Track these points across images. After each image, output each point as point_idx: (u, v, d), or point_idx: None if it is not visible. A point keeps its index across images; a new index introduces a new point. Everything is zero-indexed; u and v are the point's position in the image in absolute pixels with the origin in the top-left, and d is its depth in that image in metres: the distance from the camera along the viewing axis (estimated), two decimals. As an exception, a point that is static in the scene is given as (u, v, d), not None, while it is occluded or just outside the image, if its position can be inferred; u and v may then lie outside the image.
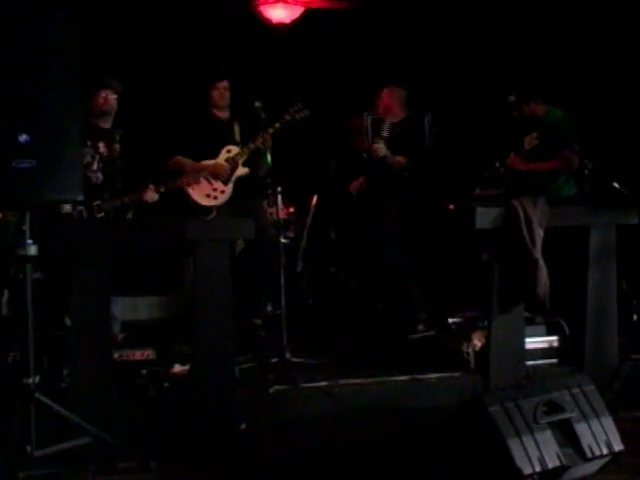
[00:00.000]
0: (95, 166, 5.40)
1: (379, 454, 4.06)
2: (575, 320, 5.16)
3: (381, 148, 6.00)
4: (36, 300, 3.64)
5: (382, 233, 6.07)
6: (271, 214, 6.08)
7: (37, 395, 3.53)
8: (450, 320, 5.69)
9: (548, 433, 3.66)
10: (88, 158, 5.34)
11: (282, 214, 5.82)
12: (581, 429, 3.72)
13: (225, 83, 5.98)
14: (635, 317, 5.78)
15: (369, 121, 6.06)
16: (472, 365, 5.02)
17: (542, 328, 5.32)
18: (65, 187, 3.55)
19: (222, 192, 5.83)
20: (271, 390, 4.64)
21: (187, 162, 5.83)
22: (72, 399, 4.03)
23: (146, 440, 4.05)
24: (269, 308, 6.43)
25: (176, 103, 6.76)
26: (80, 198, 3.66)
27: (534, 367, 5.06)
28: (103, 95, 5.41)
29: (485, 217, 4.76)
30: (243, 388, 4.61)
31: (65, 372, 4.40)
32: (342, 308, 7.00)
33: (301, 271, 7.21)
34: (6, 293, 4.77)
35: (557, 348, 5.28)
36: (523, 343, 4.94)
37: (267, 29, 7.77)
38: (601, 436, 3.75)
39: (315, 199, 7.41)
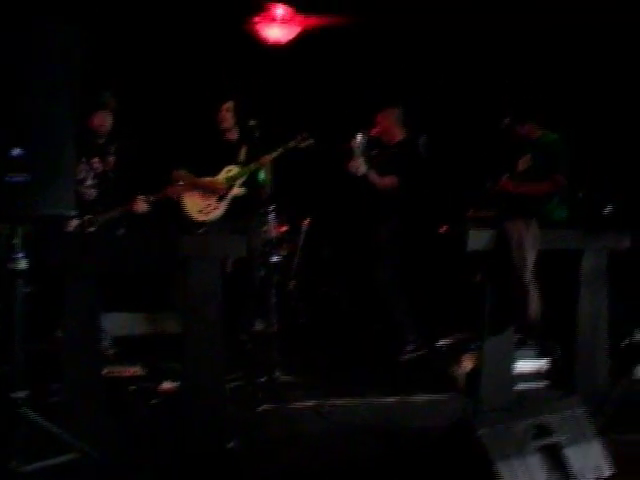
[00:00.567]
0: (89, 182, 5.44)
1: (367, 475, 4.04)
2: (566, 343, 5.16)
3: (358, 165, 5.99)
4: (26, 314, 3.62)
5: (372, 254, 6.07)
6: (264, 232, 6.09)
7: (24, 410, 3.50)
8: (440, 342, 5.70)
9: (537, 457, 3.64)
10: (83, 174, 5.40)
11: (275, 232, 5.83)
12: (571, 453, 3.71)
13: (228, 104, 6.01)
14: (626, 342, 5.78)
15: (357, 141, 6.06)
16: (462, 387, 5.01)
17: (533, 351, 5.33)
18: (58, 201, 3.53)
19: (214, 209, 5.86)
20: (260, 409, 4.63)
21: (186, 175, 5.87)
22: (60, 414, 4.01)
23: (134, 457, 4.02)
24: (260, 326, 6.42)
25: (182, 120, 6.81)
26: (73, 213, 3.65)
27: (524, 390, 5.05)
28: (99, 117, 5.44)
29: (477, 239, 4.76)
30: (233, 406, 4.59)
31: (54, 387, 4.38)
32: (333, 327, 7.00)
33: (293, 289, 7.20)
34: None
35: (548, 371, 5.29)
36: (514, 366, 4.94)
37: (264, 49, 7.81)
38: (591, 460, 3.74)
39: (308, 220, 7.41)
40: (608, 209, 5.33)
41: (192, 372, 4.35)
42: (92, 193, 5.47)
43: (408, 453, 4.21)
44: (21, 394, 3.51)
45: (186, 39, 7.38)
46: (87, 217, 5.36)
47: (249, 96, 6.27)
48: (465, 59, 7.70)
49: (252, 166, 5.79)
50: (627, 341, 5.64)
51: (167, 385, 4.77)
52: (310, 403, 4.75)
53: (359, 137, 6.05)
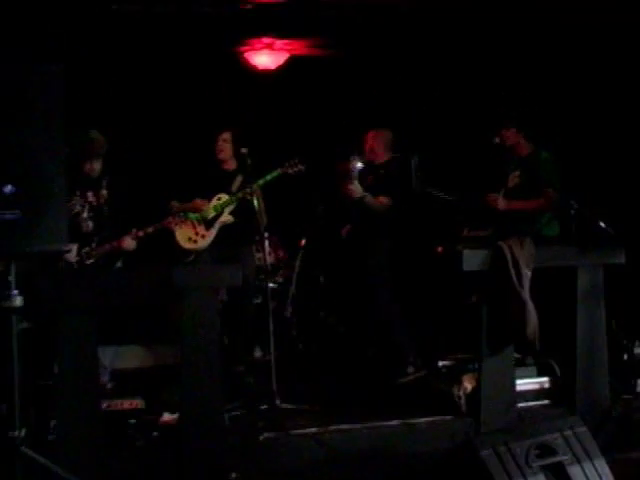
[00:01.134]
0: (85, 214, 5.49)
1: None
2: (566, 361, 5.15)
3: (355, 189, 6.01)
4: (23, 350, 3.61)
5: (368, 277, 6.07)
6: (259, 259, 6.08)
7: (23, 449, 3.48)
8: (440, 363, 5.67)
9: (541, 477, 3.63)
10: (78, 207, 5.45)
11: (271, 259, 5.83)
12: (574, 472, 3.71)
13: (226, 135, 6.03)
14: (625, 357, 5.76)
15: (354, 165, 6.08)
16: (463, 408, 4.98)
17: (533, 369, 5.31)
18: (50, 237, 3.53)
19: (203, 237, 5.88)
20: (261, 438, 4.60)
21: (175, 204, 5.90)
22: (59, 451, 3.99)
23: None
24: (258, 354, 6.40)
25: (177, 150, 6.83)
26: (65, 248, 3.65)
27: (525, 409, 5.04)
28: (89, 165, 5.48)
29: (472, 259, 4.76)
30: (233, 436, 4.57)
31: (52, 423, 4.35)
32: (332, 353, 6.97)
33: (290, 316, 7.18)
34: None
35: (548, 389, 5.27)
36: (514, 385, 4.92)
37: (253, 75, 7.86)
38: (595, 479, 3.72)
39: (303, 242, 7.42)
40: (601, 224, 5.34)
41: (191, 403, 4.33)
42: (89, 225, 5.52)
43: (411, 476, 4.18)
44: (19, 433, 3.49)
45: (176, 71, 7.42)
46: (85, 250, 5.40)
47: (245, 126, 6.29)
48: (453, 78, 7.75)
49: (240, 194, 5.80)
50: (626, 356, 5.64)
51: (167, 417, 4.74)
52: (311, 430, 4.72)
53: (356, 161, 6.07)
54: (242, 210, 5.86)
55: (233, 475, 4.16)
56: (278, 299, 6.95)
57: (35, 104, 3.48)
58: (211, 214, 5.87)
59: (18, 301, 3.51)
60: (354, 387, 5.81)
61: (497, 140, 5.94)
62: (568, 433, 3.82)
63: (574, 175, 6.00)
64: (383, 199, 6.06)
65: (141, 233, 5.55)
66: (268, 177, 5.78)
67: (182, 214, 5.85)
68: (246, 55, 7.75)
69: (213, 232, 5.90)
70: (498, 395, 4.80)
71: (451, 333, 6.06)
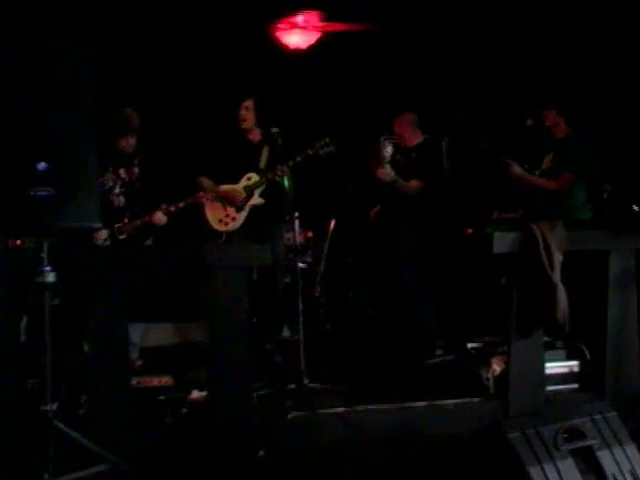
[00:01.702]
0: (117, 190, 5.56)
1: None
2: (595, 345, 5.11)
3: (386, 173, 5.99)
4: (54, 327, 3.64)
5: (397, 259, 6.05)
6: (288, 239, 6.08)
7: (55, 422, 3.53)
8: (469, 345, 5.66)
9: (570, 460, 3.61)
10: (110, 183, 5.53)
11: (300, 239, 5.83)
12: (604, 457, 3.68)
13: (248, 103, 5.99)
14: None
15: (386, 148, 6.06)
16: (491, 391, 4.97)
17: (562, 353, 5.28)
18: (83, 214, 3.56)
19: (233, 219, 5.88)
20: (289, 416, 4.62)
21: (207, 183, 5.89)
22: (90, 426, 4.03)
23: (164, 467, 4.03)
24: (286, 333, 6.42)
25: (204, 125, 6.83)
26: (98, 225, 3.68)
27: (554, 392, 5.01)
28: (125, 140, 5.53)
29: (503, 242, 4.73)
30: (261, 414, 4.59)
31: (83, 399, 4.40)
32: (360, 333, 6.98)
33: (319, 296, 7.20)
34: (25, 319, 4.78)
35: (577, 373, 5.23)
36: (543, 368, 4.90)
37: (284, 55, 7.83)
38: (625, 464, 3.70)
39: (333, 224, 7.42)
40: (635, 208, 5.29)
41: (219, 381, 4.36)
42: (120, 200, 5.59)
43: (439, 458, 4.18)
44: (51, 407, 3.54)
45: (205, 45, 7.41)
46: (117, 225, 5.45)
47: (269, 96, 6.27)
48: (487, 57, 7.67)
49: (270, 175, 5.79)
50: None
51: (196, 394, 4.78)
52: (339, 410, 4.73)
53: (387, 143, 6.05)
54: (271, 190, 5.86)
55: (260, 453, 4.19)
56: (307, 279, 6.95)
57: (67, 82, 3.51)
58: (242, 197, 5.87)
59: (51, 277, 3.55)
60: (382, 368, 5.82)
61: (530, 122, 5.89)
62: (597, 417, 3.79)
63: (608, 159, 5.94)
64: (414, 183, 6.03)
65: (172, 208, 5.58)
66: (298, 158, 5.76)
67: (214, 200, 5.86)
68: (277, 34, 7.73)
69: (243, 215, 5.90)
70: (526, 378, 4.78)
71: (480, 315, 6.05)
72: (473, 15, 7.04)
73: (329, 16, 7.35)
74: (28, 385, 4.37)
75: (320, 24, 7.63)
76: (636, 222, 5.23)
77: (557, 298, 4.67)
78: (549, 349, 5.11)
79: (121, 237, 5.49)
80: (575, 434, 3.69)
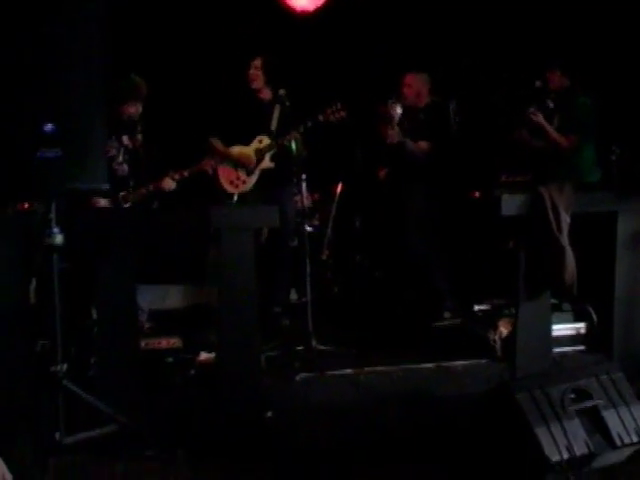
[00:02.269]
0: (120, 158, 5.53)
1: (405, 442, 4.04)
2: (603, 307, 5.11)
3: (394, 134, 5.97)
4: (63, 289, 3.66)
5: (406, 221, 6.05)
6: (296, 202, 6.08)
7: (65, 382, 3.55)
8: (476, 307, 5.67)
9: (576, 421, 3.62)
10: (113, 151, 5.48)
11: (307, 202, 5.83)
12: (610, 417, 3.68)
13: (257, 62, 5.97)
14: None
15: (395, 110, 6.03)
16: (499, 352, 5.01)
17: (569, 315, 5.30)
18: (91, 176, 3.56)
19: (244, 182, 5.89)
20: (297, 378, 4.65)
21: (218, 145, 5.89)
22: (99, 387, 4.06)
23: (172, 428, 4.06)
24: (294, 296, 6.44)
25: (214, 86, 6.79)
26: (106, 187, 3.67)
27: (561, 354, 5.04)
28: (132, 106, 5.49)
29: (511, 204, 4.71)
30: (269, 376, 4.62)
31: (93, 360, 4.43)
32: (367, 296, 7.00)
33: (326, 259, 7.21)
34: (34, 282, 4.80)
35: (584, 335, 5.26)
36: (550, 330, 4.90)
37: (291, 17, 7.76)
38: (630, 424, 3.70)
39: (340, 187, 7.41)
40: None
41: (227, 343, 4.37)
42: (124, 169, 5.55)
43: (446, 419, 4.21)
44: (61, 367, 3.56)
45: (213, 7, 7.35)
46: (121, 194, 5.44)
47: (277, 55, 6.23)
48: (495, 19, 7.59)
49: (281, 141, 5.77)
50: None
51: (204, 356, 4.81)
52: (347, 371, 4.77)
53: (395, 105, 6.02)
54: (281, 153, 5.85)
55: (268, 414, 4.22)
56: (314, 242, 6.95)
57: (76, 44, 3.48)
58: (253, 160, 5.87)
59: (59, 239, 3.55)
60: (390, 330, 5.84)
61: (538, 83, 5.86)
62: (604, 378, 3.78)
63: (616, 120, 5.90)
64: (423, 144, 6.02)
65: (177, 176, 5.58)
66: (309, 123, 5.74)
67: (225, 162, 5.86)
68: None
69: (254, 178, 5.91)
70: (534, 340, 4.78)
71: (488, 278, 6.06)
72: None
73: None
74: (38, 347, 4.41)
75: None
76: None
77: (565, 260, 4.66)
78: (556, 311, 5.12)
79: (125, 205, 5.47)
80: (582, 394, 3.69)
